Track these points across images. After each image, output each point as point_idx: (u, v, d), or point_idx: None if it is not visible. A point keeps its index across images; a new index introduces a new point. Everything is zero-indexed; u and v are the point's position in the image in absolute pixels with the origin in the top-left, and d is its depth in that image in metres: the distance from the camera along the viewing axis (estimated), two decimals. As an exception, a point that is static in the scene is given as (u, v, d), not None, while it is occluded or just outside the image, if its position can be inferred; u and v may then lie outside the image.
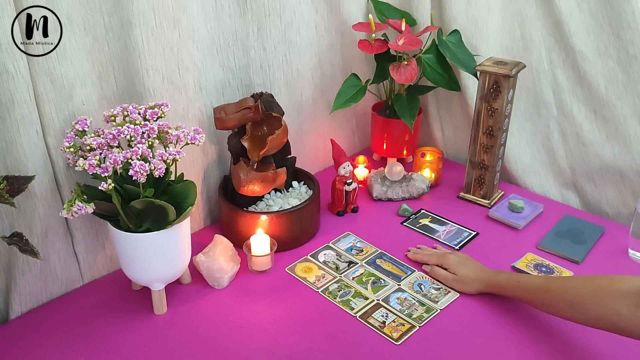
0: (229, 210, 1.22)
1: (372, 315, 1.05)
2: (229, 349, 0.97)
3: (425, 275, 1.15)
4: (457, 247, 1.24)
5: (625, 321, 0.83)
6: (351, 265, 1.19)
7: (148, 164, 0.90)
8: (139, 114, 0.97)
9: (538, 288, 0.99)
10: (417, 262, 1.19)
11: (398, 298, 1.09)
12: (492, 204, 1.39)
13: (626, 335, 0.85)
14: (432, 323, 1.03)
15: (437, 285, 1.12)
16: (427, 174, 1.46)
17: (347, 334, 1.01)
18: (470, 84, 1.44)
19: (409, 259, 1.20)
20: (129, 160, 0.90)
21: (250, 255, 1.16)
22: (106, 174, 0.89)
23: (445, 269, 1.13)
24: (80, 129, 0.94)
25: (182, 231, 1.02)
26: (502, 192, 1.44)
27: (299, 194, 1.31)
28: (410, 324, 1.03)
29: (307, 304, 1.08)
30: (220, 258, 1.12)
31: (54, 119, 0.98)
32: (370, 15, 1.37)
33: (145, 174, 0.90)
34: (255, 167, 1.19)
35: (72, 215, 0.89)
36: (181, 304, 1.08)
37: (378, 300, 1.09)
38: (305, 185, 1.34)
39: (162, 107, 0.99)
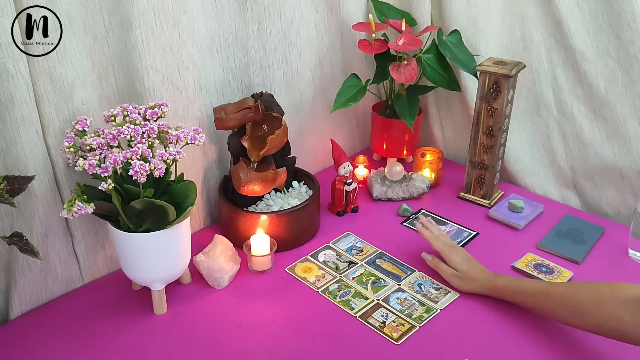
0: (229, 210, 1.22)
1: (372, 315, 1.05)
2: (229, 349, 0.97)
3: (425, 275, 1.15)
4: (457, 247, 1.24)
5: (627, 328, 0.83)
6: (351, 265, 1.19)
7: (148, 164, 0.90)
8: (139, 114, 0.97)
9: (538, 293, 0.98)
10: (422, 236, 1.18)
11: (398, 298, 1.09)
12: (492, 204, 1.39)
13: (628, 341, 0.85)
14: (432, 323, 1.03)
15: (437, 285, 1.12)
16: (427, 174, 1.46)
17: (347, 334, 1.01)
18: (470, 84, 1.44)
19: (416, 230, 1.20)
20: (129, 160, 0.90)
21: (250, 255, 1.16)
22: (106, 174, 0.89)
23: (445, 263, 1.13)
24: (80, 129, 0.94)
25: (182, 231, 1.02)
26: (502, 192, 1.44)
27: (299, 194, 1.31)
28: (410, 324, 1.03)
29: (307, 304, 1.08)
30: (220, 258, 1.12)
31: (54, 119, 0.98)
32: (370, 15, 1.37)
33: (145, 174, 0.90)
34: (255, 167, 1.19)
35: (72, 215, 0.89)
36: (181, 304, 1.08)
37: (378, 300, 1.09)
38: (305, 185, 1.34)
39: (162, 107, 0.99)
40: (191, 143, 0.99)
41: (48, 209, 1.01)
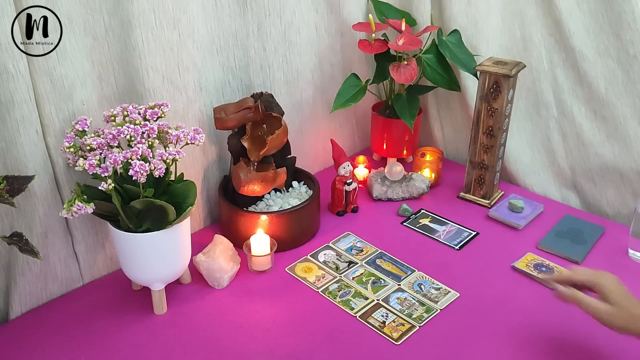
0: (229, 210, 1.22)
1: (372, 315, 1.05)
2: (229, 349, 0.97)
3: (425, 275, 1.15)
4: (457, 247, 1.24)
5: None
6: (351, 265, 1.19)
7: (148, 164, 0.90)
8: (139, 114, 0.97)
9: None
10: (560, 282, 0.93)
11: (398, 298, 1.09)
12: (492, 204, 1.39)
13: None
14: (432, 323, 1.03)
15: (437, 285, 1.12)
16: (427, 174, 1.46)
17: (347, 334, 1.01)
18: (470, 84, 1.43)
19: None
20: (129, 160, 0.90)
21: (250, 255, 1.16)
22: (106, 174, 0.89)
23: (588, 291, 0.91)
24: (80, 129, 0.94)
25: (182, 231, 1.02)
26: (502, 192, 1.44)
27: (299, 194, 1.31)
28: (410, 324, 1.03)
29: (307, 304, 1.08)
30: (220, 258, 1.12)
31: (54, 119, 0.98)
32: (370, 15, 1.37)
33: (145, 174, 0.90)
34: (255, 167, 1.19)
35: (72, 215, 0.89)
36: (181, 304, 1.08)
37: (378, 300, 1.09)
38: (305, 185, 1.34)
39: (162, 107, 0.99)
40: (191, 143, 0.99)
41: (48, 209, 1.01)
